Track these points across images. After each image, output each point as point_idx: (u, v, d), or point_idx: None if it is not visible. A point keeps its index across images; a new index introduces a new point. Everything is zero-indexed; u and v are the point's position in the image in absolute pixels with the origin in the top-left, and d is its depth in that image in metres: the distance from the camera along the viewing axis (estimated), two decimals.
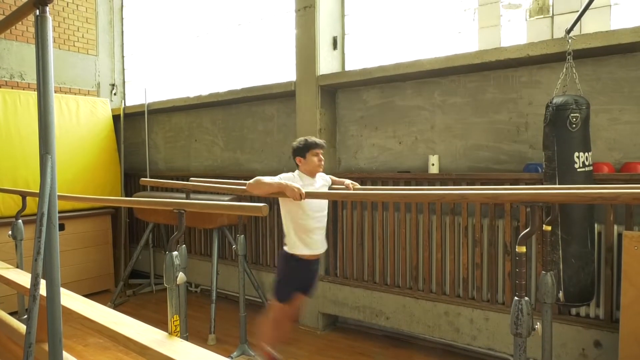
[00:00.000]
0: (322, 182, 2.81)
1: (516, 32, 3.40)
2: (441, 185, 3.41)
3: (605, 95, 2.99)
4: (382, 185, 3.73)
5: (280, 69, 4.67)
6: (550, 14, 3.25)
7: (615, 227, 2.84)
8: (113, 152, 5.62)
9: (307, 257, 2.68)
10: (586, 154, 2.64)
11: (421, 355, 3.48)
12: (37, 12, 1.46)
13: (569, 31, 2.79)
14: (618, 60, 2.94)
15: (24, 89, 5.28)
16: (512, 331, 1.66)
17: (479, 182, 3.26)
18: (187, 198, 3.37)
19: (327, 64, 4.06)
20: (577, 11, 2.89)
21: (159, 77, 6.02)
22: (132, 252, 5.39)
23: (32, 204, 3.25)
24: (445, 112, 3.63)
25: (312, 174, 2.72)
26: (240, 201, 3.90)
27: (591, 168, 2.68)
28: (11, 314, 3.15)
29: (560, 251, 2.66)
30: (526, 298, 1.65)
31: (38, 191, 1.47)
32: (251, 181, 2.49)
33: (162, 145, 5.80)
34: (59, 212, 1.62)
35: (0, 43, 5.17)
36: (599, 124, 2.99)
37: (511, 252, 3.16)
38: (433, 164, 3.58)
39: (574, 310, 3.00)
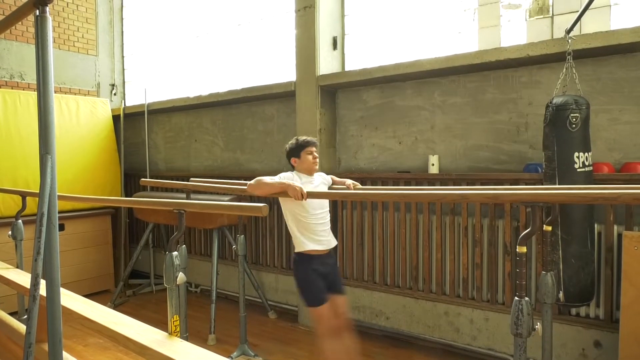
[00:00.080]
0: (320, 179, 2.82)
1: (516, 32, 3.40)
2: (441, 185, 3.42)
3: (605, 96, 2.99)
4: (382, 185, 3.73)
5: (280, 69, 4.67)
6: (550, 14, 3.25)
7: (615, 227, 2.85)
8: (113, 152, 5.62)
9: (318, 253, 2.67)
10: (586, 154, 2.64)
11: (421, 355, 3.48)
12: (37, 12, 1.46)
13: (568, 31, 2.79)
14: (618, 60, 2.94)
15: (24, 89, 5.28)
16: (512, 331, 1.66)
17: (479, 182, 3.26)
18: (187, 198, 3.37)
19: (327, 64, 4.06)
20: (577, 11, 2.89)
21: (159, 77, 6.02)
22: (132, 252, 5.39)
23: (32, 204, 3.25)
24: (445, 112, 3.63)
25: (309, 172, 2.74)
26: (240, 201, 3.90)
27: (591, 168, 2.68)
28: (11, 314, 3.15)
29: (560, 251, 2.66)
30: (526, 298, 1.65)
31: (38, 191, 1.47)
32: (252, 182, 2.50)
33: (162, 145, 5.80)
34: (59, 212, 1.62)
35: (0, 43, 5.17)
36: (599, 124, 2.99)
37: (511, 252, 3.16)
38: (433, 164, 3.58)
39: (574, 311, 3.00)
